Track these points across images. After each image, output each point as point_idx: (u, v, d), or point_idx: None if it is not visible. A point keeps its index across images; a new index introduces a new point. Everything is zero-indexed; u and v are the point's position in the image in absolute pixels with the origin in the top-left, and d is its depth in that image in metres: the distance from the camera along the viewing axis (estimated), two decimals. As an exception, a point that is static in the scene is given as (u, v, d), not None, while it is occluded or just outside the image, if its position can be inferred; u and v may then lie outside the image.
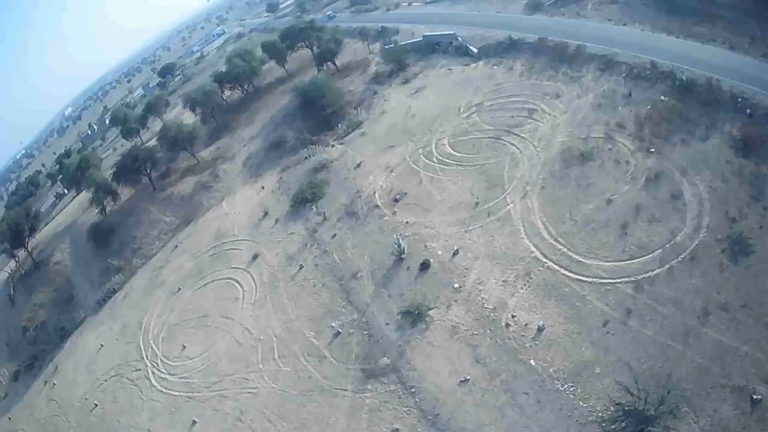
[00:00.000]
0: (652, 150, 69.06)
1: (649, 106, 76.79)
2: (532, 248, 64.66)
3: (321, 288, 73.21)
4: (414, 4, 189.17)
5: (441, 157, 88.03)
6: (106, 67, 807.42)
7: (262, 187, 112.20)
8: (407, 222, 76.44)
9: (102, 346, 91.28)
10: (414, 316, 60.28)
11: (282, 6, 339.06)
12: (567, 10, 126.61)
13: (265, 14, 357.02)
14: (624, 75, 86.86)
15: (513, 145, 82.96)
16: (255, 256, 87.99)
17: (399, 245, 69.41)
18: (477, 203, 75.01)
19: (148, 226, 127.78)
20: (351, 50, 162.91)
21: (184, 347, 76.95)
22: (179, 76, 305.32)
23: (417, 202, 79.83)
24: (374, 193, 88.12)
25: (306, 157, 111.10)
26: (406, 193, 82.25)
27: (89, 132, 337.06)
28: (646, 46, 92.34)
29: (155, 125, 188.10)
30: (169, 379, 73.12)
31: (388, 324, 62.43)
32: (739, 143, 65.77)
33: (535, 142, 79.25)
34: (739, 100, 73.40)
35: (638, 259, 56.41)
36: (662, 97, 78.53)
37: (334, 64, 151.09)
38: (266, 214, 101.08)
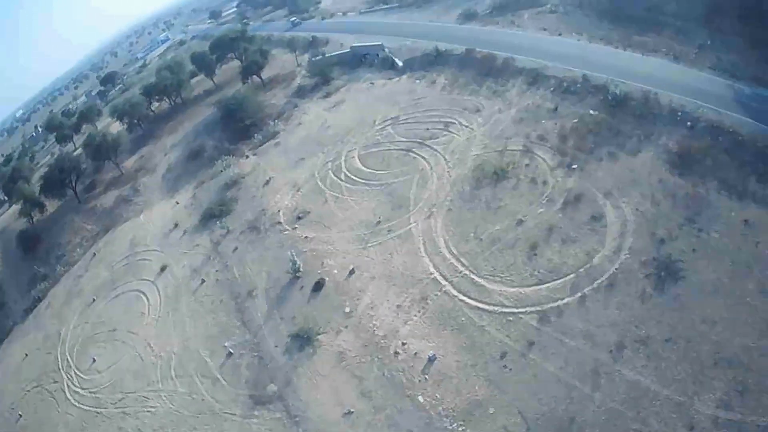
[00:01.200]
0: (574, 166, 65.33)
1: (575, 120, 73.43)
2: (432, 268, 60.59)
3: (218, 305, 70.61)
4: (349, 13, 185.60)
5: (349, 174, 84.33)
6: (59, 71, 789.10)
7: (177, 203, 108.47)
8: (306, 237, 73.87)
9: (26, 355, 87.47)
10: (303, 341, 57.44)
11: (225, 14, 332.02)
12: (502, 19, 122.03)
13: (208, 21, 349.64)
14: (552, 89, 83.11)
15: (424, 159, 79.11)
16: (163, 268, 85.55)
17: (294, 263, 66.69)
18: (378, 221, 71.05)
19: (71, 234, 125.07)
20: (280, 62, 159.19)
21: (94, 360, 73.95)
22: (120, 85, 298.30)
23: (319, 220, 77.18)
24: (279, 211, 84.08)
25: (221, 170, 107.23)
26: (309, 212, 79.26)
27: (33, 134, 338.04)
28: (580, 58, 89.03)
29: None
30: (81, 393, 70.05)
31: (277, 347, 59.46)
32: (675, 158, 62.51)
33: (447, 156, 76.92)
34: (679, 114, 70.03)
35: (547, 285, 52.39)
36: (591, 111, 74.84)
37: (260, 77, 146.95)
38: (176, 225, 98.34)
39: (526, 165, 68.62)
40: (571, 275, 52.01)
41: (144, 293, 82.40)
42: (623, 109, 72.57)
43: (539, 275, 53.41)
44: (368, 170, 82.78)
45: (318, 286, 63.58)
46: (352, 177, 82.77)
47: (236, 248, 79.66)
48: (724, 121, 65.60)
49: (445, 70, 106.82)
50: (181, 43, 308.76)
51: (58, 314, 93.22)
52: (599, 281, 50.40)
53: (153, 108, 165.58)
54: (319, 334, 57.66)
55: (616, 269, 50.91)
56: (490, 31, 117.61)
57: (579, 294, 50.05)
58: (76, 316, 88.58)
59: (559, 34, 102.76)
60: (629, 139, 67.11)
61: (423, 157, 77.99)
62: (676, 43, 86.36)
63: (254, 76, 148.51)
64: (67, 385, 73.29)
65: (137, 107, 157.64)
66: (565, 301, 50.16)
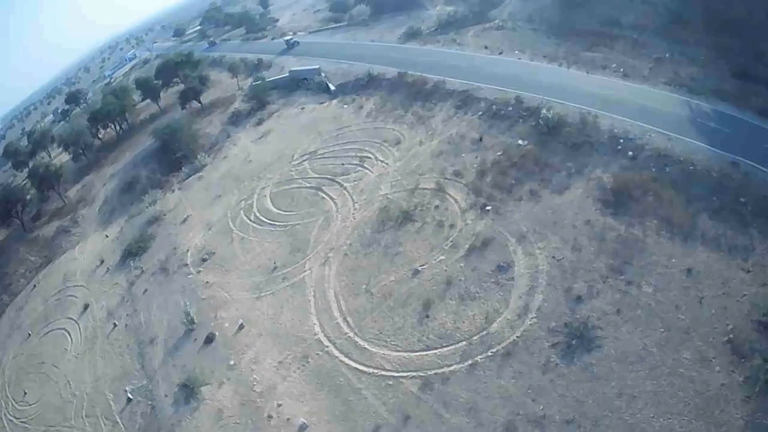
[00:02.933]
0: (488, 208, 60.46)
1: (500, 152, 68.78)
2: (317, 328, 56.38)
3: (125, 349, 68.53)
4: (299, 32, 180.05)
5: (258, 214, 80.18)
6: (38, 84, 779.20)
7: (107, 236, 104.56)
8: (207, 282, 70.79)
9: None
10: (189, 391, 55.23)
11: (189, 32, 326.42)
12: (445, 37, 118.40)
13: (173, 39, 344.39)
14: (481, 113, 79.27)
15: (332, 199, 75.11)
16: (86, 306, 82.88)
17: (187, 314, 64.64)
18: (275, 267, 67.24)
19: (16, 263, 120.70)
20: (224, 85, 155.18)
21: (25, 393, 72.19)
22: (83, 104, 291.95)
23: (222, 262, 73.70)
24: (188, 251, 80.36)
25: (147, 206, 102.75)
26: (214, 253, 76.19)
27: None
28: (517, 78, 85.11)
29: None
30: (15, 422, 68.41)
31: (167, 396, 57.05)
32: (610, 195, 56.99)
33: (355, 196, 72.82)
34: (621, 141, 64.64)
35: (435, 351, 48.05)
36: (519, 141, 69.95)
37: (199, 102, 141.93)
38: (102, 262, 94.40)
39: (436, 206, 64.25)
40: (463, 342, 47.70)
41: (68, 332, 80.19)
42: (556, 137, 68.05)
43: (428, 341, 49.13)
44: (276, 210, 78.81)
45: (209, 339, 61.08)
46: (261, 217, 78.85)
47: (146, 290, 76.87)
48: (674, 148, 61.16)
49: (375, 94, 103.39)
50: (145, 61, 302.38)
51: (3, 344, 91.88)
52: (495, 348, 46.09)
53: (100, 135, 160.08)
54: (203, 386, 55.05)
55: (517, 337, 46.16)
56: (429, 51, 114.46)
57: (470, 361, 45.85)
58: (15, 348, 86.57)
59: (500, 53, 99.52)
60: (557, 173, 62.58)
61: (331, 197, 74.70)
62: (629, 57, 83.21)
63: (194, 101, 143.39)
64: (4, 413, 71.78)
65: (81, 136, 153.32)
66: (453, 367, 46.06)
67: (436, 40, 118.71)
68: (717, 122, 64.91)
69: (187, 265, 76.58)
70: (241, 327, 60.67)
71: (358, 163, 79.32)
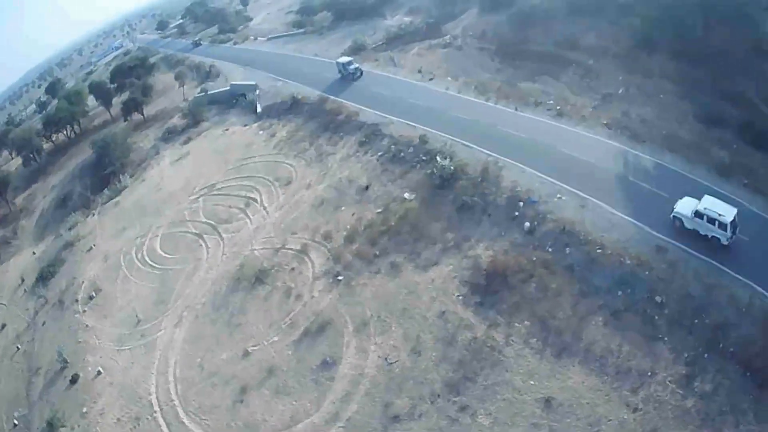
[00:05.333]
0: (340, 278, 55.75)
1: (379, 210, 63.68)
2: (153, 389, 55.35)
3: (20, 374, 67.40)
4: (259, 38, 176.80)
5: (145, 254, 77.99)
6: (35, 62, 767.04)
7: (34, 253, 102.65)
8: (87, 325, 69.01)
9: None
10: (51, 430, 54.52)
11: (171, 26, 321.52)
12: (384, 55, 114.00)
13: (156, 31, 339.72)
14: (381, 153, 74.71)
15: (207, 248, 72.99)
16: (2, 326, 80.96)
17: (61, 354, 63.92)
18: (138, 321, 65.65)
19: None
20: (174, 94, 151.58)
21: None
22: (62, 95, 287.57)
23: (103, 303, 72.04)
24: (83, 284, 78.53)
25: (69, 228, 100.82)
26: (101, 290, 74.62)
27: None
28: (432, 113, 79.67)
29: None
30: None
31: (38, 430, 55.90)
32: (482, 279, 49.28)
33: (226, 248, 70.19)
34: (520, 205, 56.15)
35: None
36: (406, 195, 64.24)
37: (142, 113, 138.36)
38: (23, 281, 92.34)
39: (292, 269, 60.53)
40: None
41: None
42: (448, 192, 61.96)
43: (235, 427, 47.17)
44: (161, 253, 76.84)
45: (74, 379, 60.47)
46: (146, 258, 77.06)
47: (44, 322, 75.13)
48: (585, 220, 52.46)
49: (293, 120, 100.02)
50: (126, 53, 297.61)
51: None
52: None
53: (53, 139, 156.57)
54: (61, 427, 54.41)
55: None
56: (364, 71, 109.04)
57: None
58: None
59: (431, 79, 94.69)
60: (432, 244, 55.93)
61: (207, 246, 72.54)
62: (574, 91, 76.48)
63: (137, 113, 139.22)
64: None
65: (30, 141, 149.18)
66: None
67: (374, 59, 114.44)
68: (655, 183, 55.15)
69: (77, 301, 75.01)
70: (99, 373, 59.84)
71: (243, 207, 76.97)
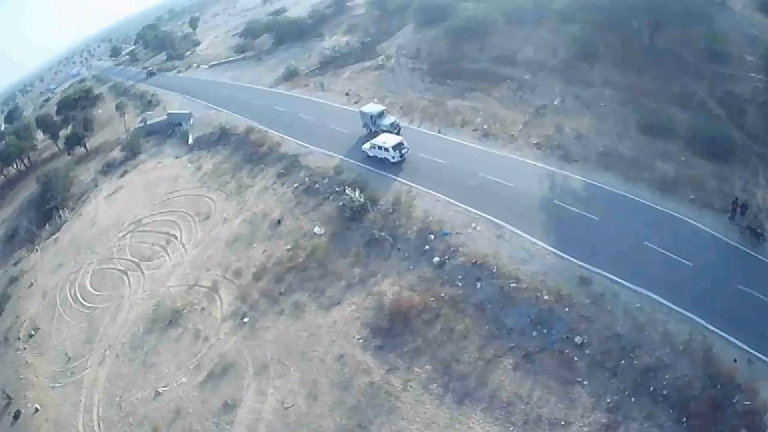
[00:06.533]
0: (245, 320, 55.41)
1: (290, 245, 62.80)
2: (80, 428, 56.11)
3: None
4: (201, 66, 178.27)
5: (77, 291, 79.78)
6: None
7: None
8: (27, 362, 70.57)
9: None
10: None
11: (124, 52, 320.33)
12: (316, 80, 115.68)
13: (110, 58, 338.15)
14: (297, 185, 74.20)
15: (130, 286, 74.71)
16: None
17: (4, 391, 65.43)
18: (69, 359, 67.49)
19: None
20: (117, 124, 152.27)
21: None
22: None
23: (42, 341, 73.47)
24: (24, 322, 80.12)
25: (14, 263, 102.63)
26: (39, 329, 76.02)
27: None
28: (351, 140, 79.30)
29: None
30: None
31: None
32: (384, 320, 46.52)
33: (146, 285, 71.39)
34: (431, 237, 52.86)
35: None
36: (317, 229, 63.21)
37: (85, 147, 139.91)
38: None
39: (202, 309, 60.58)
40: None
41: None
42: (358, 225, 60.32)
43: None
44: (90, 290, 78.93)
45: (16, 415, 61.80)
46: (78, 295, 78.88)
47: None
48: (502, 250, 48.98)
49: (221, 152, 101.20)
50: (81, 80, 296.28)
51: None
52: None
53: (3, 173, 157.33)
54: None
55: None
56: (290, 98, 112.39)
57: None
58: None
59: (356, 102, 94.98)
60: (337, 282, 54.05)
61: (130, 283, 73.62)
62: (506, 106, 71.57)
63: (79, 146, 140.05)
64: None
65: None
66: None
67: (305, 84, 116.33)
68: (583, 205, 50.84)
69: (19, 338, 76.56)
70: (36, 410, 61.10)
71: (164, 244, 77.79)
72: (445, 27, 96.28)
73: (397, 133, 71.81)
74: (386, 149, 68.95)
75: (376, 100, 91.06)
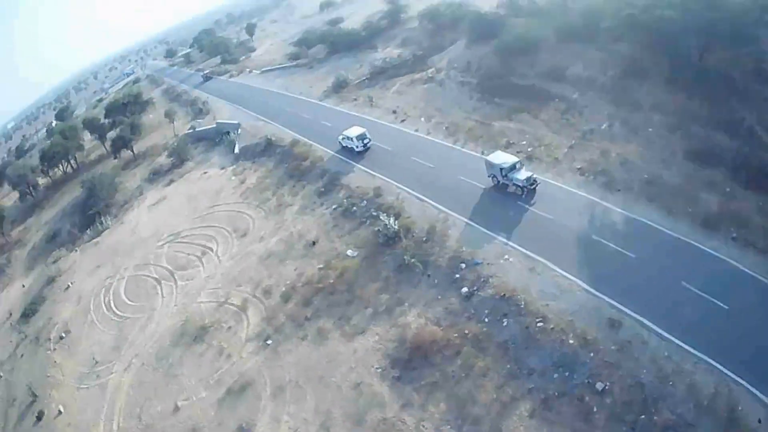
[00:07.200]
0: (269, 342, 56.81)
1: (322, 265, 63.57)
2: None
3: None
4: (254, 71, 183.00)
5: (110, 298, 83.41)
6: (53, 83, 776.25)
7: (23, 285, 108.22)
8: (55, 362, 73.76)
9: None
10: None
11: (179, 54, 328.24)
12: (365, 93, 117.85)
13: (164, 59, 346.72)
14: (335, 207, 74.90)
15: (162, 297, 77.76)
16: None
17: (30, 388, 68.97)
18: (96, 362, 70.74)
19: None
20: (167, 128, 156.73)
21: None
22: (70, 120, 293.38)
23: (71, 344, 77.02)
24: (57, 325, 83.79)
25: (53, 262, 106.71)
26: (70, 332, 79.82)
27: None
28: (394, 160, 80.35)
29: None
30: None
31: None
32: (404, 352, 46.66)
33: (179, 297, 74.26)
34: (462, 267, 52.80)
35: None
36: (350, 252, 63.47)
37: (132, 150, 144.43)
38: (11, 315, 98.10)
39: (228, 328, 62.35)
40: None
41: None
42: (391, 251, 60.24)
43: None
44: (123, 298, 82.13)
45: (39, 415, 64.95)
46: (111, 302, 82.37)
47: (22, 355, 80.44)
48: (532, 286, 48.31)
49: (266, 164, 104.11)
50: (135, 81, 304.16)
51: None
52: None
53: (50, 174, 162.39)
54: None
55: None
56: (337, 113, 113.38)
57: None
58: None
59: (402, 120, 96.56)
60: (364, 309, 54.40)
61: (162, 295, 76.67)
62: (552, 129, 70.89)
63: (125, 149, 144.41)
64: None
65: (25, 177, 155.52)
66: None
67: (354, 98, 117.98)
68: (621, 241, 49.60)
69: (50, 339, 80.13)
70: (60, 413, 63.97)
71: (200, 255, 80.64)
72: (496, 43, 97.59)
73: (534, 190, 63.76)
74: (351, 139, 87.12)
75: (422, 119, 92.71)
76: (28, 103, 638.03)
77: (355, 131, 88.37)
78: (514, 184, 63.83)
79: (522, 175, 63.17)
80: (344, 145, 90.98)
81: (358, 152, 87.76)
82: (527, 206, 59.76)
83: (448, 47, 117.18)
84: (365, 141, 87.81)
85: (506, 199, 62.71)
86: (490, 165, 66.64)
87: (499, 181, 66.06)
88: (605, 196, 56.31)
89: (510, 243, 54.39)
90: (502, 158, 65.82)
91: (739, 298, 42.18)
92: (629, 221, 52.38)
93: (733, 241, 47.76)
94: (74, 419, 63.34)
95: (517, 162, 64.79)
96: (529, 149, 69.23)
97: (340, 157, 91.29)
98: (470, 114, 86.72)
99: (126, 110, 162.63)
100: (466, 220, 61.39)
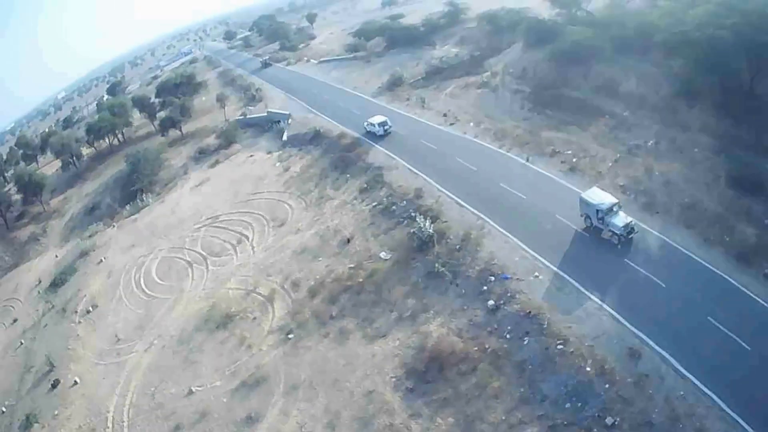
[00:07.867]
0: (290, 336, 57.12)
1: (352, 265, 63.85)
2: (111, 409, 60.71)
3: (17, 368, 75.95)
4: (312, 60, 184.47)
5: (141, 277, 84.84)
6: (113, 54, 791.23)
7: (56, 256, 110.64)
8: (78, 335, 75.80)
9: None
10: (28, 424, 62.42)
11: (238, 37, 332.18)
12: (418, 93, 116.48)
13: (223, 40, 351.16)
14: (375, 204, 75.11)
15: (192, 279, 78.82)
16: (15, 320, 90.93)
17: (49, 358, 71.16)
18: (118, 340, 72.07)
19: None
20: (219, 113, 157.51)
21: None
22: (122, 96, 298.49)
23: (97, 319, 78.82)
24: (85, 297, 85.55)
25: (89, 236, 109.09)
26: (97, 306, 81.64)
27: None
28: (437, 161, 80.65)
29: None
30: None
31: (18, 421, 64.14)
32: (422, 359, 46.61)
33: (208, 282, 75.51)
34: (491, 279, 52.16)
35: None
36: (383, 254, 63.50)
37: (180, 130, 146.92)
38: (39, 282, 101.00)
39: (253, 318, 63.05)
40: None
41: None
42: (423, 256, 59.88)
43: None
44: (154, 277, 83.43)
45: (55, 384, 67.46)
46: (141, 281, 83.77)
47: (46, 325, 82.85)
48: (558, 306, 47.93)
49: (312, 152, 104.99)
50: (192, 60, 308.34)
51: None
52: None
53: (95, 146, 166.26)
54: (35, 423, 62.10)
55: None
56: (388, 112, 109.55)
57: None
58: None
59: (452, 124, 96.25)
60: (389, 312, 54.50)
61: (193, 278, 78.35)
62: (599, 142, 70.51)
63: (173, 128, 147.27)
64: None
65: (69, 147, 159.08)
66: None
67: (406, 98, 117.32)
68: (653, 268, 48.33)
69: (76, 312, 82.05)
70: (75, 383, 66.21)
71: (235, 243, 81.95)
72: (552, 48, 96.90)
73: (631, 238, 54.71)
74: (374, 125, 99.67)
75: (471, 123, 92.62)
76: (81, 75, 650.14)
77: (377, 119, 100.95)
78: (610, 230, 55.79)
79: (620, 220, 54.92)
80: (368, 130, 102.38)
81: (379, 135, 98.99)
82: (572, 225, 58.12)
83: (505, 49, 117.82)
84: (386, 127, 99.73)
85: (545, 214, 60.89)
86: (585, 204, 57.77)
87: (592, 224, 57.63)
88: (644, 218, 55.36)
89: (542, 259, 53.65)
90: (600, 197, 56.98)
91: (763, 340, 40.53)
92: (664, 246, 51.47)
93: (765, 279, 45.91)
94: (88, 391, 64.84)
95: (616, 203, 56.13)
96: (573, 160, 68.63)
97: (386, 151, 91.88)
98: (519, 123, 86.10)
99: (178, 91, 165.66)
100: (502, 230, 60.34)
